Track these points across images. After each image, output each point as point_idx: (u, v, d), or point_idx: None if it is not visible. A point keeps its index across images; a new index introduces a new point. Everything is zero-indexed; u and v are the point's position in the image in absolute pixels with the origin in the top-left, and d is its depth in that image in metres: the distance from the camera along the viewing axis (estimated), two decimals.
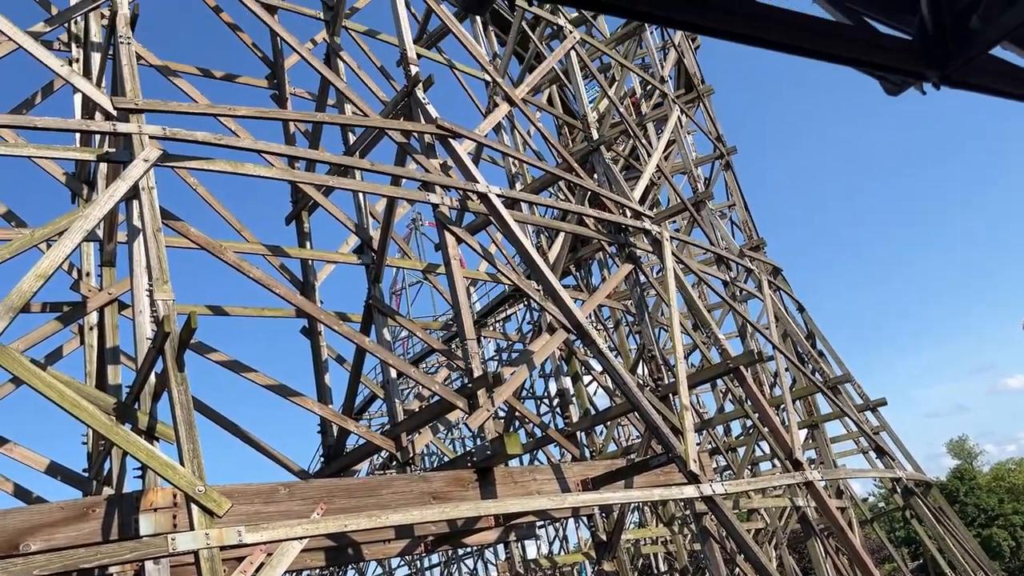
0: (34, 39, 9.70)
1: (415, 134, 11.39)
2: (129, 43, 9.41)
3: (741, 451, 20.60)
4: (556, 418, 22.42)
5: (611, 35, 21.24)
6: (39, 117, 8.95)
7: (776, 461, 16.03)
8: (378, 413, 30.63)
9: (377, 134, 12.46)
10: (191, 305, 11.16)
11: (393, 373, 12.20)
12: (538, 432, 17.83)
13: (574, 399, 15.13)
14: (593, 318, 22.04)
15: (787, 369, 17.11)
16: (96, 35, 11.38)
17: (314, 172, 12.70)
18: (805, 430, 18.80)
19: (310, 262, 13.37)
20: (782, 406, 15.65)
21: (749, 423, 20.19)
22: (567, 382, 15.32)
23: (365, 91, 13.56)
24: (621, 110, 16.57)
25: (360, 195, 13.22)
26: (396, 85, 13.89)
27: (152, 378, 7.95)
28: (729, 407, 20.16)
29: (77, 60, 11.95)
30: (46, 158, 10.33)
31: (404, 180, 11.33)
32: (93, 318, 10.48)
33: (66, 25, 12.05)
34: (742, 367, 12.00)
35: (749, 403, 16.14)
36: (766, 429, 14.54)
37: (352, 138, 13.51)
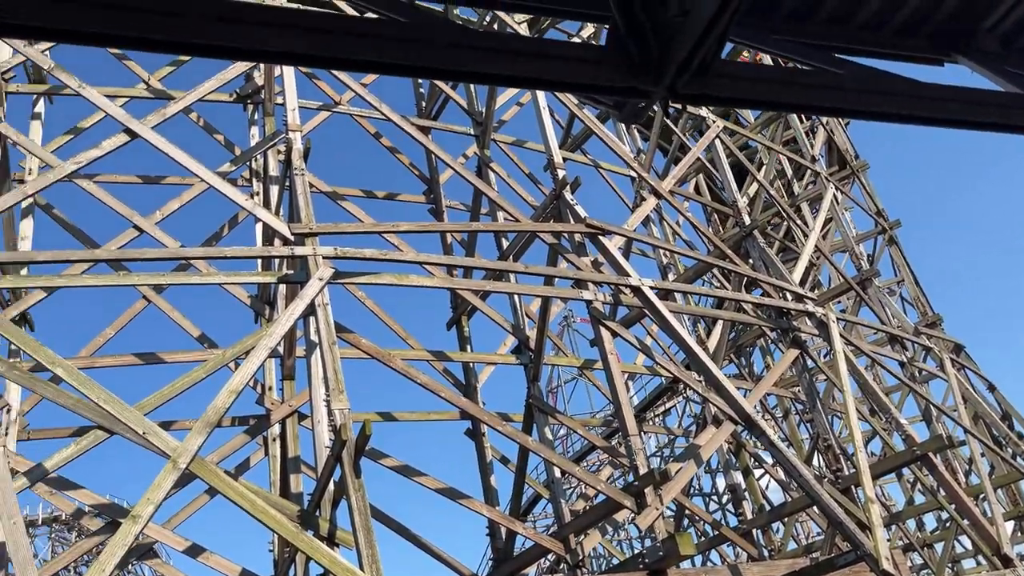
0: (222, 178, 10.85)
1: (565, 234, 11.67)
2: (303, 174, 10.32)
3: (939, 547, 18.76)
4: (728, 515, 21.39)
5: (756, 121, 21.13)
6: (227, 247, 9.92)
7: (981, 558, 14.50)
8: (543, 514, 30.33)
9: (529, 237, 12.85)
10: (364, 413, 11.68)
11: (557, 472, 12.15)
12: (710, 531, 17.05)
13: (747, 494, 14.43)
14: (760, 408, 21.17)
15: (983, 454, 15.64)
16: (274, 169, 12.57)
17: (471, 278, 13.21)
18: (1012, 522, 16.96)
19: (471, 364, 13.73)
20: (982, 495, 14.26)
21: (945, 516, 18.44)
22: (737, 477, 14.68)
23: (515, 197, 14.13)
24: (772, 192, 16.30)
25: (516, 297, 13.56)
26: (544, 189, 14.37)
27: (331, 485, 8.33)
28: (919, 499, 18.54)
29: (258, 193, 13.18)
30: (234, 284, 11.36)
31: (557, 279, 11.57)
32: (276, 429, 11.16)
33: (248, 163, 13.36)
34: (931, 454, 11.11)
35: (943, 493, 14.81)
36: (966, 522, 13.25)
37: (505, 243, 14.00)
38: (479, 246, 14.99)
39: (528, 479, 13.56)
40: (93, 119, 11.94)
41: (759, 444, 14.90)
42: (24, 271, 10.19)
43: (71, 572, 41.38)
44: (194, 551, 9.41)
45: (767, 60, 14.91)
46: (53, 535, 41.60)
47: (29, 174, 11.59)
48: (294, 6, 11.72)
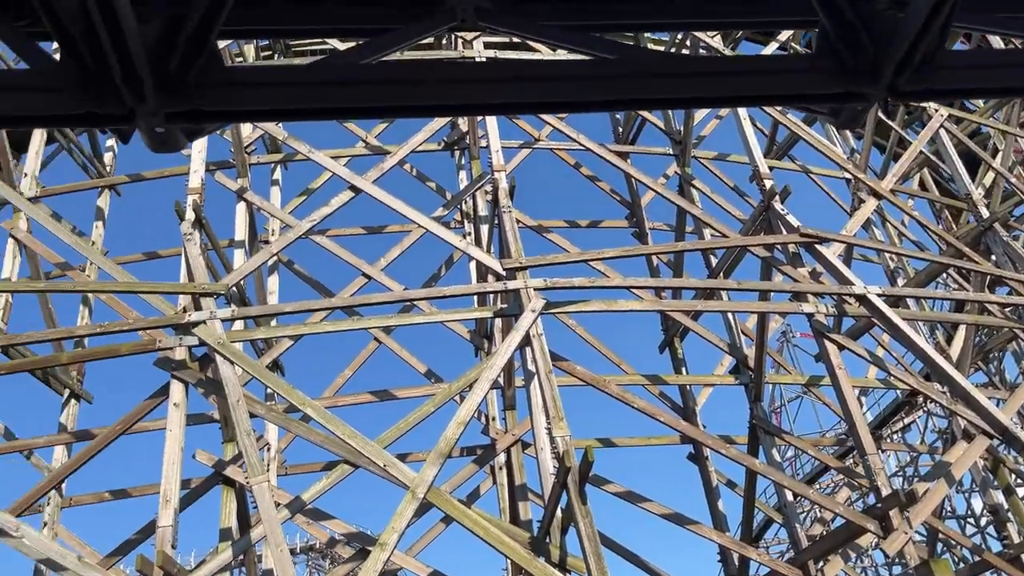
0: (436, 222, 11.51)
1: (778, 246, 11.22)
2: (510, 211, 10.72)
3: None
4: (989, 539, 19.27)
5: (986, 104, 19.26)
6: (446, 287, 10.49)
7: None
8: (775, 539, 28.89)
9: (739, 252, 12.49)
10: (585, 440, 11.79)
11: (789, 496, 11.59)
12: (969, 556, 15.46)
13: (1010, 515, 12.96)
14: (1019, 420, 19.02)
15: None
16: (482, 209, 13.14)
17: (681, 298, 13.01)
18: None
19: (688, 387, 13.47)
20: None
21: None
22: (998, 496, 13.22)
23: (721, 213, 13.77)
24: (1012, 180, 14.75)
25: (730, 315, 13.18)
26: (752, 201, 13.90)
27: (558, 512, 8.49)
28: None
29: (470, 233, 13.82)
30: (454, 320, 11.95)
31: (773, 293, 11.12)
32: (502, 458, 11.54)
33: (459, 206, 14.08)
34: None
35: None
36: None
37: (714, 260, 13.68)
38: (687, 265, 14.74)
39: (758, 503, 13.01)
40: (321, 179, 13.15)
41: (1021, 459, 13.38)
42: (274, 322, 11.34)
43: None
44: None
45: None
46: (310, 563, 45.27)
47: (272, 235, 12.93)
48: (518, 56, 12.31)
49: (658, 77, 2.83)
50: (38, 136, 13.21)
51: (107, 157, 15.14)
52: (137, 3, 2.17)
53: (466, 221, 14.27)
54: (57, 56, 2.23)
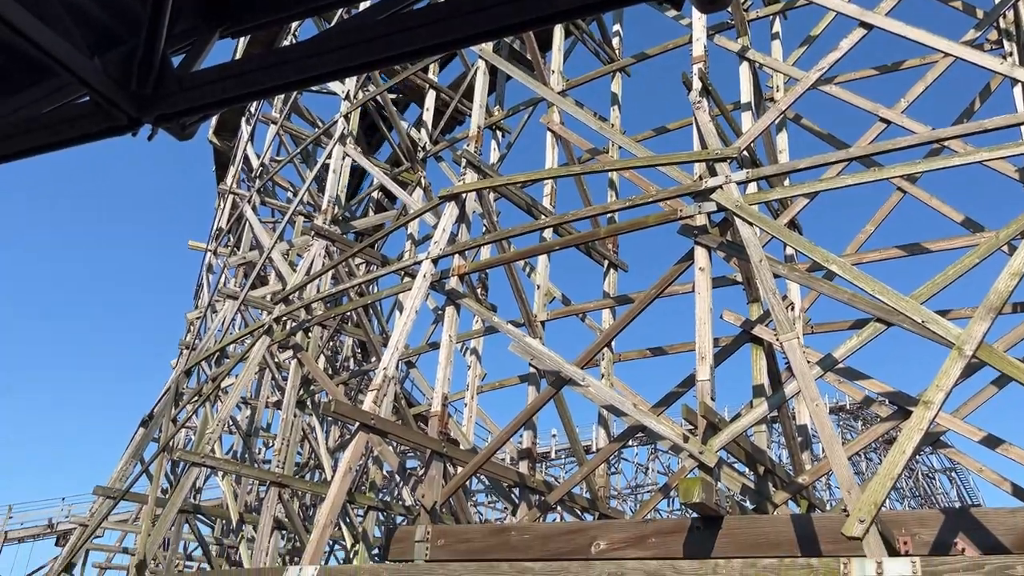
0: (967, 47, 9.93)
1: None
2: None
3: None
4: None
5: None
6: (986, 120, 9.06)
7: None
8: None
9: None
10: None
11: None
12: None
13: None
14: None
15: None
16: None
17: None
18: None
19: None
20: None
21: None
22: None
23: None
24: None
25: None
26: None
27: None
28: None
29: (1011, 53, 11.65)
30: (996, 159, 10.34)
31: None
32: None
33: (994, 23, 11.91)
34: None
35: None
36: None
37: None
38: None
39: None
40: (823, 23, 12.21)
41: None
42: (787, 181, 11.13)
43: (860, 457, 44.33)
44: (990, 442, 9.06)
45: None
46: (840, 422, 45.10)
47: (777, 91, 12.56)
48: None
49: None
50: (558, 33, 14.66)
51: (615, 42, 16.18)
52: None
53: (1005, 41, 12.03)
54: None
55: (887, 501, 6.49)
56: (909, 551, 6.56)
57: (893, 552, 6.21)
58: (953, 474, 58.39)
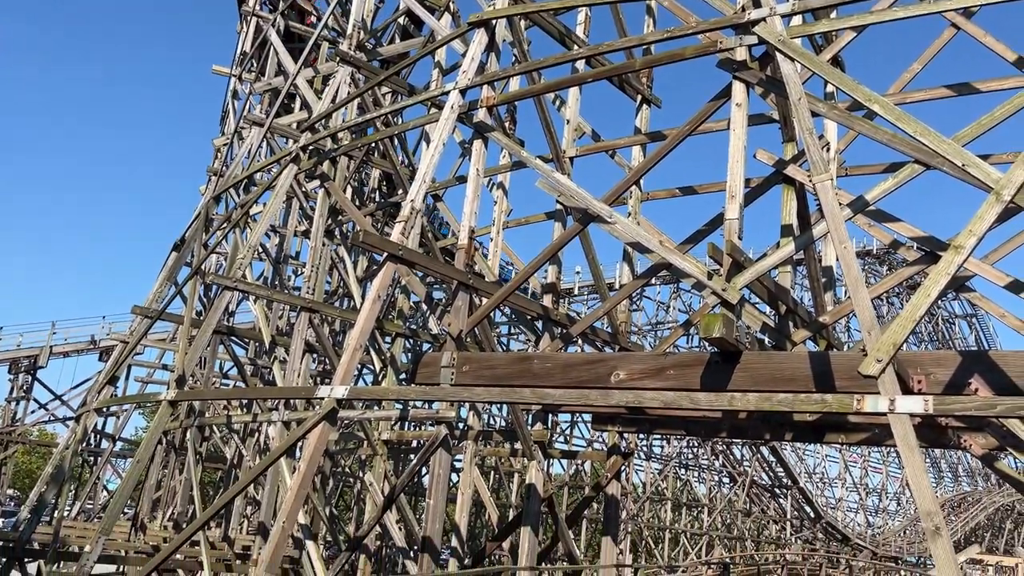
0: None
1: None
2: None
3: None
4: None
5: None
6: None
7: None
8: None
9: None
10: None
11: None
12: None
13: None
14: None
15: None
16: None
17: None
18: None
19: None
20: None
21: None
22: None
23: None
24: None
25: None
26: None
27: None
28: None
29: None
30: None
31: None
32: None
33: None
34: None
35: None
36: None
37: None
38: None
39: None
40: None
41: None
42: (833, 14, 10.53)
43: (883, 301, 44.67)
44: (1015, 287, 9.03)
45: None
46: (866, 267, 45.16)
47: None
48: None
49: None
50: None
51: None
52: None
53: None
54: None
55: (904, 344, 6.56)
56: (923, 390, 6.72)
57: (907, 391, 6.36)
58: (973, 320, 58.90)
